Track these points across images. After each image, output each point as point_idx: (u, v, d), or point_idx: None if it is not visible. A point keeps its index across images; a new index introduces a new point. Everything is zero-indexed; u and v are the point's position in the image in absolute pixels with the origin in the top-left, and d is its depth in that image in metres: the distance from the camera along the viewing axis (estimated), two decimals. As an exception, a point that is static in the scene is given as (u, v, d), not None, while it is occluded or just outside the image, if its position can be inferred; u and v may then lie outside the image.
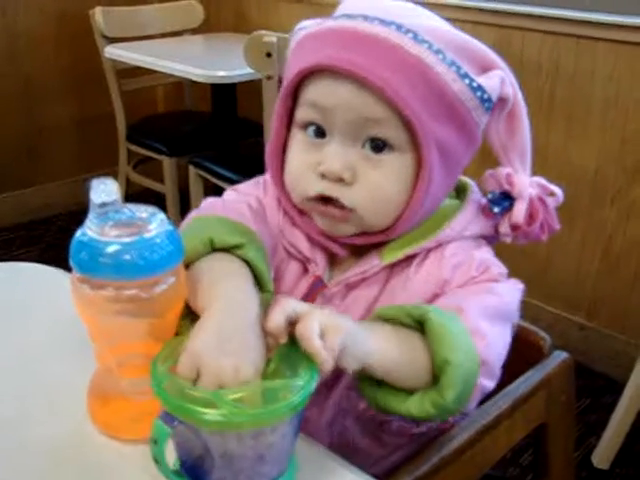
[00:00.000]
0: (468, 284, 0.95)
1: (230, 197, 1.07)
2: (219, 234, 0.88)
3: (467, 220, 0.99)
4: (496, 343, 0.91)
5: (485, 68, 0.93)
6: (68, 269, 0.82)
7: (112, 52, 3.23)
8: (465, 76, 0.90)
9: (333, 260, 1.02)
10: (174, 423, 0.71)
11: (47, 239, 3.65)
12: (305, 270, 1.01)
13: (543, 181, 0.99)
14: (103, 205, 0.80)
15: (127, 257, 0.76)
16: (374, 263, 0.97)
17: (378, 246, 0.98)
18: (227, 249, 0.88)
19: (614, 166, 2.53)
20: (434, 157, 0.90)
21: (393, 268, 0.98)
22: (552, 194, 0.99)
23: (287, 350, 0.77)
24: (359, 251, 0.99)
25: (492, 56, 0.94)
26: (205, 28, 3.70)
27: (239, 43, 2.61)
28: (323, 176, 0.92)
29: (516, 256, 2.72)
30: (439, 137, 0.90)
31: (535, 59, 2.63)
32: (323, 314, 0.77)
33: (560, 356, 1.13)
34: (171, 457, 0.75)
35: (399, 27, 0.88)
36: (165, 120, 3.83)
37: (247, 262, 0.87)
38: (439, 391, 0.83)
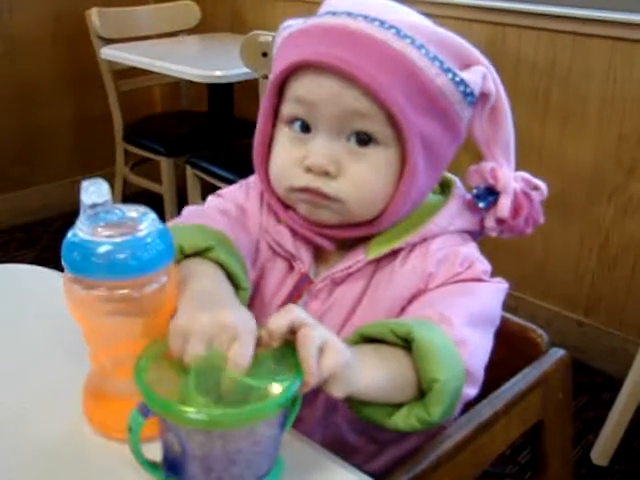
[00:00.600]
0: (452, 280, 0.95)
1: (212, 203, 1.07)
2: (189, 240, 0.89)
3: (451, 215, 0.99)
4: (479, 350, 0.92)
5: (467, 63, 0.94)
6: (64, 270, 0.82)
7: (108, 53, 3.23)
8: (448, 70, 0.91)
9: (319, 256, 1.02)
10: (148, 414, 0.73)
11: (44, 241, 3.64)
12: (291, 267, 1.02)
13: (527, 175, 1.00)
14: (94, 206, 0.80)
15: (119, 257, 0.76)
16: (359, 258, 0.98)
17: (363, 241, 0.99)
18: (199, 253, 0.89)
19: (611, 163, 2.52)
20: (418, 151, 0.91)
21: (379, 263, 0.98)
22: (536, 188, 1.00)
23: (274, 354, 0.76)
24: (344, 246, 1.00)
25: (473, 52, 0.95)
26: (201, 28, 3.70)
27: (235, 43, 2.61)
28: (308, 170, 0.92)
29: (513, 253, 2.73)
30: (423, 131, 0.91)
31: (531, 56, 2.63)
32: (329, 332, 0.77)
33: (557, 353, 1.13)
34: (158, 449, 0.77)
35: (382, 23, 0.90)
36: (162, 120, 3.82)
37: (221, 265, 0.89)
38: (426, 407, 0.83)
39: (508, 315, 1.17)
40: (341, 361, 0.75)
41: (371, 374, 0.81)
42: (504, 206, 0.97)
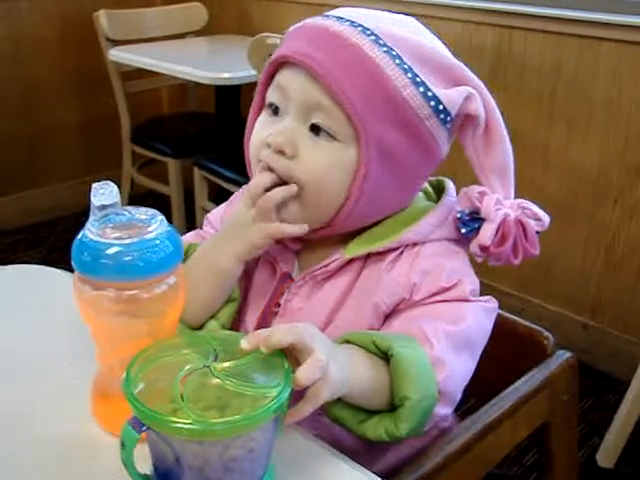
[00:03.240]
0: (438, 297, 0.96)
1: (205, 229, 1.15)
2: None
3: (433, 225, 0.99)
4: (457, 374, 0.94)
5: (456, 83, 0.94)
6: (73, 270, 0.83)
7: (116, 55, 3.24)
8: (420, 84, 0.92)
9: (304, 256, 1.04)
10: (142, 428, 0.71)
11: (52, 241, 3.65)
12: (274, 268, 1.04)
13: (528, 204, 0.97)
14: (103, 208, 0.81)
15: (127, 258, 0.77)
16: (336, 257, 0.99)
17: (344, 242, 1.00)
18: None
19: (617, 166, 2.52)
20: (373, 156, 0.92)
21: (364, 264, 0.99)
22: (538, 218, 0.97)
23: (256, 359, 0.77)
24: (327, 246, 1.01)
25: (466, 73, 0.95)
26: (209, 30, 3.71)
27: (242, 45, 2.62)
28: (269, 146, 0.95)
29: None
30: (383, 138, 0.92)
31: (537, 59, 2.63)
32: (330, 352, 0.80)
33: (563, 356, 1.13)
34: (146, 462, 0.76)
35: (365, 29, 0.92)
36: (169, 122, 3.84)
37: None
38: (395, 422, 0.87)
39: (515, 317, 1.18)
40: (335, 388, 0.80)
41: (359, 377, 0.85)
42: (486, 233, 0.95)
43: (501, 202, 0.96)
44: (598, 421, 2.41)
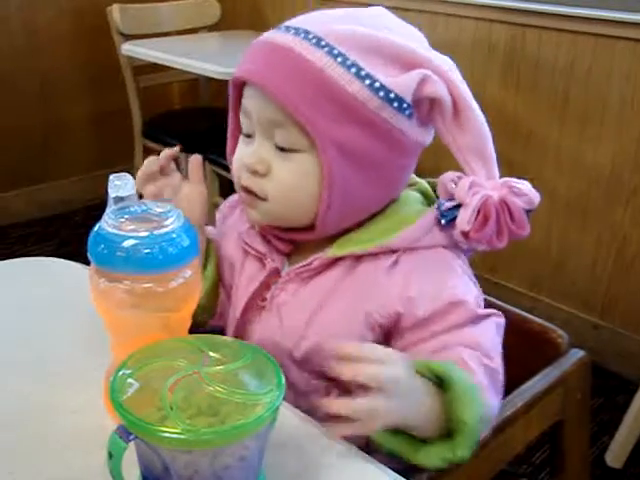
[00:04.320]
0: (444, 316, 0.94)
1: None
2: None
3: (420, 231, 0.98)
4: (494, 396, 0.93)
5: (411, 68, 0.93)
6: (84, 264, 0.83)
7: (129, 49, 3.24)
8: (366, 77, 0.91)
9: (292, 255, 1.05)
10: (130, 438, 0.69)
11: (63, 235, 3.66)
12: (263, 264, 1.06)
13: (515, 182, 0.94)
14: (118, 199, 0.81)
15: (143, 251, 0.77)
16: (318, 256, 1.00)
17: (332, 241, 1.00)
18: None
19: (630, 166, 2.52)
20: (333, 158, 0.92)
21: (357, 263, 0.99)
22: (526, 196, 0.94)
23: (246, 365, 0.76)
24: (315, 246, 1.02)
25: (421, 56, 0.94)
26: (221, 25, 3.70)
27: (255, 40, 2.61)
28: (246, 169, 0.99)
29: (531, 254, 2.72)
30: (339, 139, 0.92)
31: (551, 58, 2.62)
32: (396, 387, 0.80)
33: (577, 354, 1.13)
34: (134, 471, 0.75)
35: (307, 34, 0.93)
36: (181, 116, 3.84)
37: None
38: (452, 448, 0.85)
39: (529, 315, 1.18)
40: (391, 420, 0.81)
41: (418, 408, 0.85)
42: (462, 218, 0.93)
43: (479, 184, 0.94)
44: (607, 421, 2.40)
